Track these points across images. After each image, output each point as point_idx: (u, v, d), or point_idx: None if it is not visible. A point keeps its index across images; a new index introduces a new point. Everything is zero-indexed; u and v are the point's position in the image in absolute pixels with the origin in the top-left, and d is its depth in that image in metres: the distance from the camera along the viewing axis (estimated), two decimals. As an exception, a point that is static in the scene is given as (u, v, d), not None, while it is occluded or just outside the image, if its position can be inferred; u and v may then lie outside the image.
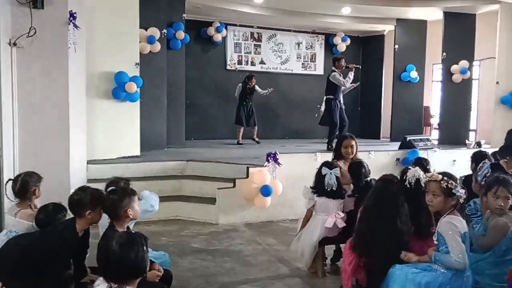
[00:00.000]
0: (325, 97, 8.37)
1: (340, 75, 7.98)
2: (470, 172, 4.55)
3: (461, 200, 2.79)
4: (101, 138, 6.59)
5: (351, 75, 7.99)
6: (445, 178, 2.81)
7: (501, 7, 9.06)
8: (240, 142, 9.65)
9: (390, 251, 3.02)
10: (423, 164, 4.45)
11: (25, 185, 3.38)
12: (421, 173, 3.37)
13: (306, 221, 4.14)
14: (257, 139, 9.86)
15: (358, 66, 8.34)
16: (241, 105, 9.65)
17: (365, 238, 3.12)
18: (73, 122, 5.36)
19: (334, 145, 7.77)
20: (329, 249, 4.37)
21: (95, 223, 2.98)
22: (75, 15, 5.17)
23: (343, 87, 8.08)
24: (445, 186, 2.79)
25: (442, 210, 2.84)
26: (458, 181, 2.84)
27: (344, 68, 8.05)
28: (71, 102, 5.27)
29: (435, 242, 2.82)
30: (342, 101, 8.17)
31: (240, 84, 9.68)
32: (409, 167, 3.49)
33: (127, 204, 2.79)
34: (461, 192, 2.78)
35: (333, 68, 8.09)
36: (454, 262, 2.67)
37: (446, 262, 2.71)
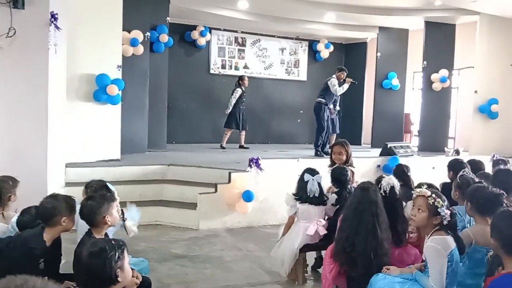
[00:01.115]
0: (317, 99, 8.47)
1: (336, 83, 8.24)
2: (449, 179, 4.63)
3: (445, 222, 2.73)
4: (81, 140, 6.48)
5: (345, 87, 8.30)
6: (433, 195, 2.78)
7: (480, 18, 9.28)
8: (224, 146, 9.62)
9: (371, 260, 3.03)
10: (404, 170, 4.53)
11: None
12: (395, 181, 3.41)
13: (288, 228, 4.14)
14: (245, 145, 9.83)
15: (355, 81, 8.60)
16: (239, 108, 9.54)
17: (346, 248, 3.12)
18: (52, 124, 5.27)
19: (321, 150, 8.06)
20: (310, 256, 4.37)
21: (67, 230, 2.89)
22: (56, 16, 5.09)
23: (333, 95, 8.34)
24: (431, 203, 2.75)
25: (424, 227, 2.81)
26: (446, 202, 2.79)
27: (342, 80, 8.33)
28: (50, 104, 5.18)
29: (424, 260, 2.80)
30: (330, 110, 8.47)
31: (239, 89, 9.48)
32: (383, 175, 3.52)
33: (105, 210, 2.74)
34: (446, 212, 2.73)
35: (333, 75, 8.37)
36: (430, 287, 2.67)
37: (424, 284, 2.72)
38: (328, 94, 8.26)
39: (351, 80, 8.43)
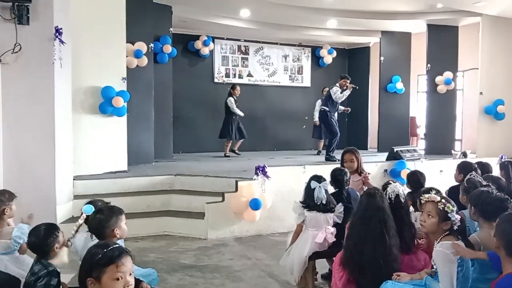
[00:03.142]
0: (321, 107, 8.68)
1: (338, 91, 8.33)
2: (456, 182, 4.59)
3: (455, 227, 2.70)
4: (88, 153, 6.52)
5: (346, 93, 8.39)
6: (443, 200, 2.75)
7: (482, 19, 9.27)
8: (228, 154, 9.64)
9: (381, 267, 3.01)
10: (419, 179, 4.41)
11: None
12: (401, 189, 3.37)
13: (296, 236, 4.11)
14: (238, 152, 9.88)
15: (356, 87, 8.66)
16: (232, 118, 9.57)
17: (354, 256, 3.10)
18: (59, 138, 5.31)
19: (332, 155, 8.06)
20: (322, 265, 4.34)
21: None
22: (61, 30, 5.16)
23: (336, 103, 8.44)
24: (441, 208, 2.72)
25: (434, 233, 2.79)
26: (455, 207, 2.76)
27: (345, 87, 8.41)
28: (57, 117, 5.22)
29: (434, 266, 2.76)
30: (335, 117, 8.56)
31: (231, 98, 9.54)
32: (390, 181, 3.49)
33: (114, 223, 2.75)
34: (456, 217, 2.71)
35: (337, 83, 8.47)
36: None
37: None
38: (331, 103, 8.38)
39: (353, 85, 8.50)
